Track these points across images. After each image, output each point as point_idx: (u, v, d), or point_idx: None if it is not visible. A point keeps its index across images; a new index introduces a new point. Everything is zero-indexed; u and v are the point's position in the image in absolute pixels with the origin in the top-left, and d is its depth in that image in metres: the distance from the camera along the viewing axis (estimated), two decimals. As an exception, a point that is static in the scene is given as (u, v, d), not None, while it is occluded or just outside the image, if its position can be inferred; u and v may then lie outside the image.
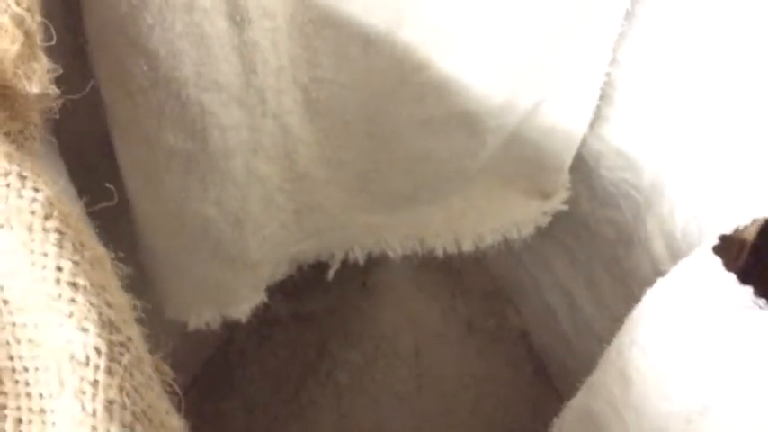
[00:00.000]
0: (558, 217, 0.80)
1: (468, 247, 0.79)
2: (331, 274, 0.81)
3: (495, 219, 0.78)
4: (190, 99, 0.55)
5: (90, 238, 0.31)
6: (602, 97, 0.68)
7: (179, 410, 1.00)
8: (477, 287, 1.12)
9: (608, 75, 0.67)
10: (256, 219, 0.68)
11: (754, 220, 0.50)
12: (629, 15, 0.62)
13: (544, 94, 0.68)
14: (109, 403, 0.28)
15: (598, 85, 0.67)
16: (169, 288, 0.71)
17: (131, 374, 0.29)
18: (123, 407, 0.28)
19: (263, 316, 1.05)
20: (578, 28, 0.63)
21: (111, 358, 0.28)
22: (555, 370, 1.02)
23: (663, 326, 0.49)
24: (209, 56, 0.54)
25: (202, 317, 0.74)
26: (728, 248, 0.48)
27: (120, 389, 0.28)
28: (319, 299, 1.08)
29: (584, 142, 0.72)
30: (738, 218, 0.50)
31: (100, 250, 0.32)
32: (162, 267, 0.69)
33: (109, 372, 0.28)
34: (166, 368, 0.34)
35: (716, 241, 0.46)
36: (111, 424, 0.27)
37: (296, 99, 0.64)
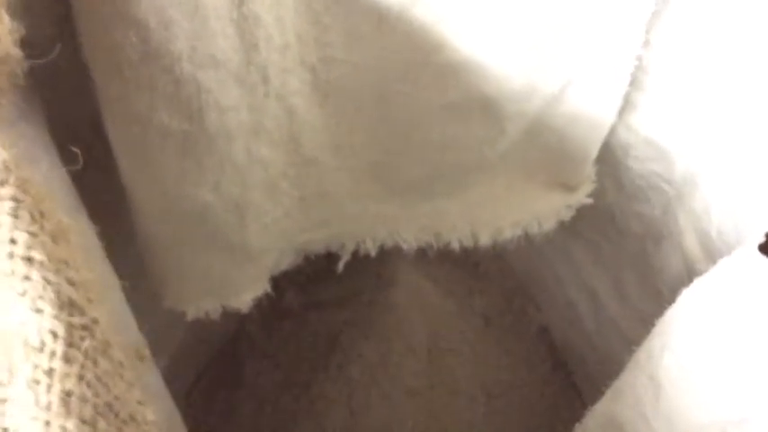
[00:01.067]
0: (582, 210, 0.76)
1: (485, 240, 0.75)
2: (341, 265, 0.77)
3: (515, 212, 0.74)
4: (184, 75, 0.51)
5: (54, 208, 0.28)
6: (632, 82, 0.64)
7: (188, 402, 0.98)
8: (495, 282, 1.10)
9: (639, 58, 0.62)
10: (258, 205, 0.65)
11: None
12: (663, -7, 0.59)
13: (569, 79, 0.64)
14: (66, 395, 0.24)
15: (628, 70, 0.62)
16: (167, 277, 0.68)
17: (94, 362, 0.25)
18: (83, 399, 0.24)
19: (274, 308, 1.03)
20: (608, 7, 0.59)
21: (69, 343, 0.25)
22: (575, 368, 0.99)
23: (698, 329, 0.45)
24: (205, 29, 0.51)
25: (202, 307, 0.71)
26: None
27: (80, 378, 0.24)
28: (332, 291, 1.06)
29: (611, 131, 0.68)
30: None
31: (65, 221, 0.28)
32: (159, 255, 0.66)
33: (67, 359, 0.24)
34: (146, 353, 0.30)
35: (762, 239, 0.42)
36: (67, 420, 0.24)
37: (303, 80, 0.60)
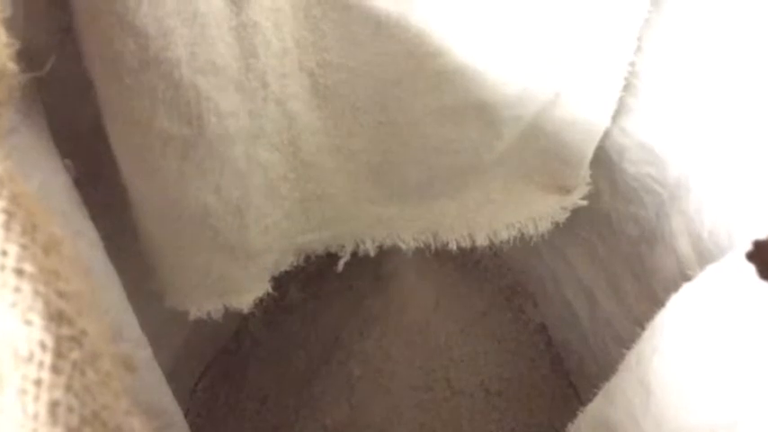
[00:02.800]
0: (579, 213, 0.77)
1: (482, 241, 0.76)
2: (341, 265, 0.78)
3: (512, 213, 0.75)
4: (183, 81, 0.52)
5: (47, 221, 0.28)
6: (625, 87, 0.64)
7: (192, 399, 0.98)
8: (493, 280, 1.10)
9: (632, 64, 0.63)
10: (258, 208, 0.65)
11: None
12: (655, 0, 0.59)
13: (564, 84, 0.64)
14: (53, 405, 0.25)
15: (622, 75, 0.63)
16: (169, 277, 0.69)
17: (82, 372, 0.26)
18: (70, 409, 0.25)
19: (276, 305, 1.03)
20: (601, 14, 0.59)
21: (58, 354, 0.25)
22: (572, 366, 0.99)
23: (688, 334, 0.45)
24: (204, 36, 0.51)
25: (204, 307, 0.71)
26: (763, 255, 0.44)
27: (68, 388, 0.25)
28: (334, 288, 1.06)
29: (606, 135, 0.69)
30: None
31: (58, 234, 0.29)
32: (160, 256, 0.67)
33: (55, 370, 0.25)
34: (133, 364, 0.31)
35: (749, 246, 0.42)
36: (54, 428, 0.24)
37: (302, 84, 0.61)
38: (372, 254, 0.77)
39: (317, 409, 0.98)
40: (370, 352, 1.01)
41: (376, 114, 0.64)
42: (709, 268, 0.43)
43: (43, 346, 0.25)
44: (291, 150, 0.64)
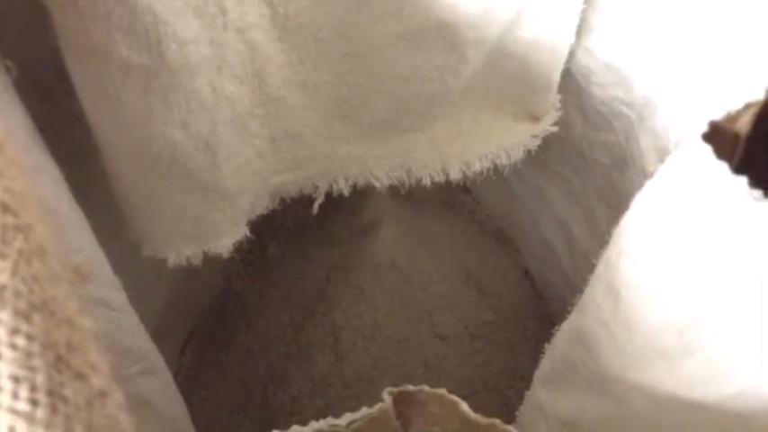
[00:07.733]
0: (552, 147, 0.76)
1: (455, 174, 0.75)
2: (316, 207, 0.78)
3: (483, 144, 0.74)
4: (139, 5, 0.51)
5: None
6: (587, 1, 0.63)
7: (180, 362, 0.97)
8: (475, 227, 1.10)
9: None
10: (229, 145, 0.65)
11: (747, 106, 0.45)
12: None
13: (525, 2, 0.64)
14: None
15: (581, -14, 0.63)
16: (144, 223, 0.68)
17: (28, 261, 0.25)
18: (17, 294, 0.25)
19: (258, 262, 1.03)
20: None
21: (2, 240, 0.25)
22: (555, 308, 0.99)
23: (652, 232, 0.44)
24: None
25: (182, 253, 0.70)
26: (721, 143, 0.43)
27: (14, 273, 0.25)
28: (315, 241, 1.06)
29: (571, 57, 0.68)
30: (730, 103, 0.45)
31: (0, 134, 0.28)
32: (133, 200, 0.66)
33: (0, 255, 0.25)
34: (85, 273, 0.30)
35: (706, 128, 0.41)
36: (1, 311, 0.24)
37: (261, 13, 0.60)
38: (346, 193, 0.76)
39: (304, 363, 0.98)
40: (354, 302, 1.01)
41: (339, 45, 0.63)
42: (668, 160, 0.42)
43: (-15, 231, 0.25)
44: (257, 84, 0.63)
